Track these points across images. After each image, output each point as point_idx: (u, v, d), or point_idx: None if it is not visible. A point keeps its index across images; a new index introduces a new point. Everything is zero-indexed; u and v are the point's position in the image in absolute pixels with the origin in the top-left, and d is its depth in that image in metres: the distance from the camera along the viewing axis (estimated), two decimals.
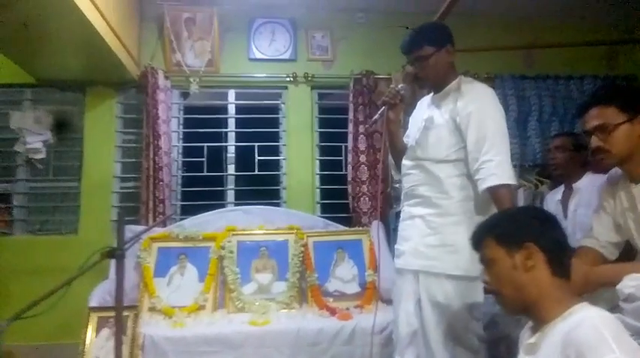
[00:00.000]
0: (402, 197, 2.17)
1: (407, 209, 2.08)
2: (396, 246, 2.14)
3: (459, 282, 1.89)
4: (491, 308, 2.31)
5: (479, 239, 1.36)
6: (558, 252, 1.26)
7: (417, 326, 1.98)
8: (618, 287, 1.66)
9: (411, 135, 2.17)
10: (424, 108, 2.13)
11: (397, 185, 2.99)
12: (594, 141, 1.66)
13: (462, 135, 1.91)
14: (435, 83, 2.04)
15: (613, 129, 1.61)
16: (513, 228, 1.30)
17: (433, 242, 1.93)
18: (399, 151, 2.20)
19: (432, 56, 1.95)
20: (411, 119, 2.25)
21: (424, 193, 1.99)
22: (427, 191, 1.98)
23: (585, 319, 1.12)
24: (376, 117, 2.21)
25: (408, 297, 2.02)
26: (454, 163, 1.94)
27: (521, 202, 3.33)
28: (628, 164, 1.68)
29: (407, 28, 2.02)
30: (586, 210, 2.55)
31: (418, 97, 2.34)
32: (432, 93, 2.12)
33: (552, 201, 2.85)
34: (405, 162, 2.12)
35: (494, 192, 1.81)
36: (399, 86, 2.12)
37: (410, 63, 2.06)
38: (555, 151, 2.80)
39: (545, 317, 1.21)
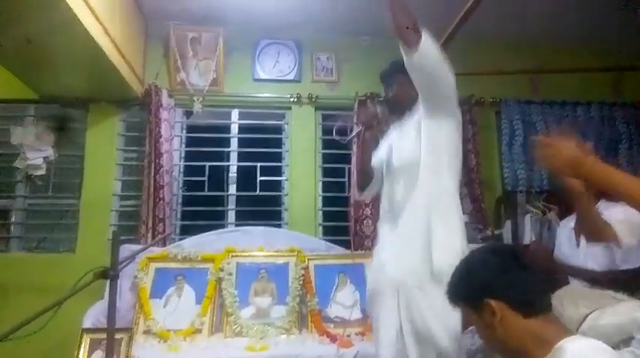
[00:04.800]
0: None
1: None
2: None
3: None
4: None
5: (452, 303, 1.36)
6: (522, 293, 1.22)
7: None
8: (634, 315, 1.59)
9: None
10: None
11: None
12: None
13: None
14: (402, 107, 2.16)
15: None
16: (468, 289, 1.29)
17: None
18: (366, 172, 2.30)
19: (402, 83, 2.09)
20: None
21: None
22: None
23: (578, 355, 1.08)
24: (353, 134, 2.41)
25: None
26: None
27: (528, 229, 3.26)
28: None
29: None
30: None
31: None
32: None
33: (565, 228, 2.78)
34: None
35: None
36: (378, 108, 2.29)
37: (385, 88, 2.25)
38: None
39: None
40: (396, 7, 1.79)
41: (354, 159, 3.68)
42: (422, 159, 1.97)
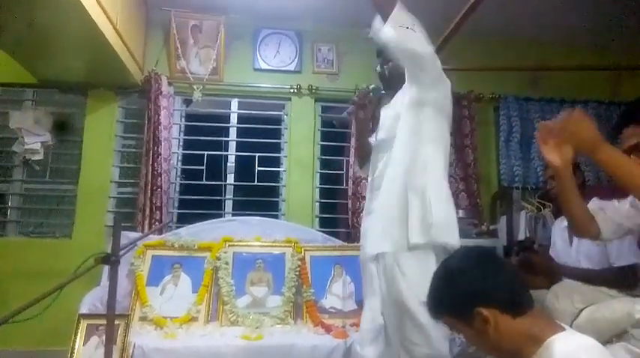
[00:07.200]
0: None
1: None
2: None
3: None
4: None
5: (435, 316, 1.31)
6: (509, 294, 1.19)
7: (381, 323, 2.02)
8: (628, 311, 1.60)
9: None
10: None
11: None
12: None
13: None
14: (399, 81, 2.12)
15: None
16: (455, 302, 1.24)
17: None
18: (363, 149, 2.39)
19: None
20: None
21: None
22: None
23: (570, 354, 1.07)
24: (346, 112, 2.63)
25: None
26: None
27: (522, 225, 3.29)
28: None
29: None
30: None
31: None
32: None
33: (559, 228, 2.80)
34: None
35: None
36: (370, 87, 2.30)
37: (382, 63, 2.23)
38: (552, 181, 2.74)
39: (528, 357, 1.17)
40: None
41: (352, 152, 3.69)
42: (397, 133, 1.98)
